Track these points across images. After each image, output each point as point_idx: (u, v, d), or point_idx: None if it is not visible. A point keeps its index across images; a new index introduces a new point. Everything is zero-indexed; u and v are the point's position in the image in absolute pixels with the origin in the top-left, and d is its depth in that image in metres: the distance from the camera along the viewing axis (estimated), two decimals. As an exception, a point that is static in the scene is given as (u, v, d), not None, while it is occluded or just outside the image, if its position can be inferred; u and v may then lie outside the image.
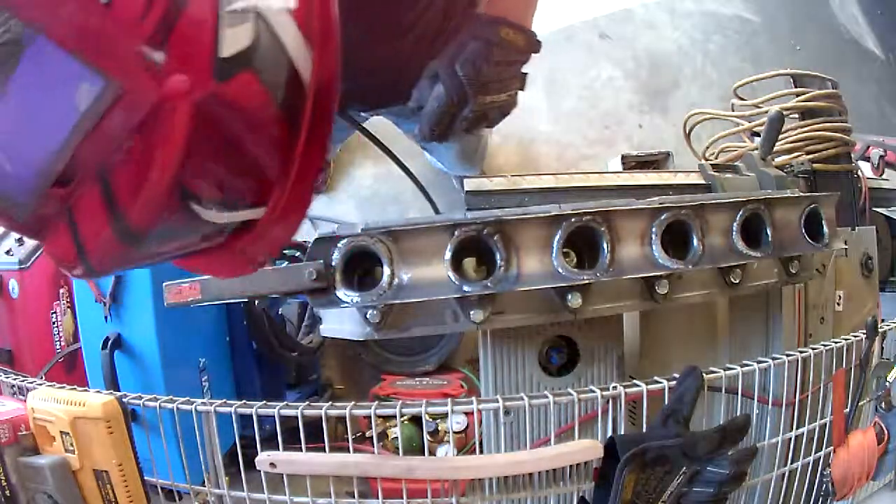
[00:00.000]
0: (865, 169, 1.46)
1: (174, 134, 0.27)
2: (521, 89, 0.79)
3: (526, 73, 0.81)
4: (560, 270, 0.64)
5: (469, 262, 0.68)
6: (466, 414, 1.29)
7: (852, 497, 0.84)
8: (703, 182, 0.95)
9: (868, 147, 1.59)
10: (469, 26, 0.75)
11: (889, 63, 2.45)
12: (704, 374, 0.67)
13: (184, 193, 0.30)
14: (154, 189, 0.28)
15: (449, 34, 0.87)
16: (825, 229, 0.76)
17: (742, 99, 1.43)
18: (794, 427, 0.79)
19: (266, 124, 0.33)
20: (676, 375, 0.67)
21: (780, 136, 1.12)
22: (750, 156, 1.05)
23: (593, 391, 0.67)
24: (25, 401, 0.71)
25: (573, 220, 0.65)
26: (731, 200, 0.72)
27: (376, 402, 0.69)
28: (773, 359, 0.74)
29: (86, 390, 0.71)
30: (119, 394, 0.70)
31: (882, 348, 0.87)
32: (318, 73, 0.34)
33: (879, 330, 0.83)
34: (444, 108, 0.74)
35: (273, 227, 0.36)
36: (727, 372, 0.70)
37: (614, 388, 0.67)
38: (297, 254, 1.66)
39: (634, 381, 0.69)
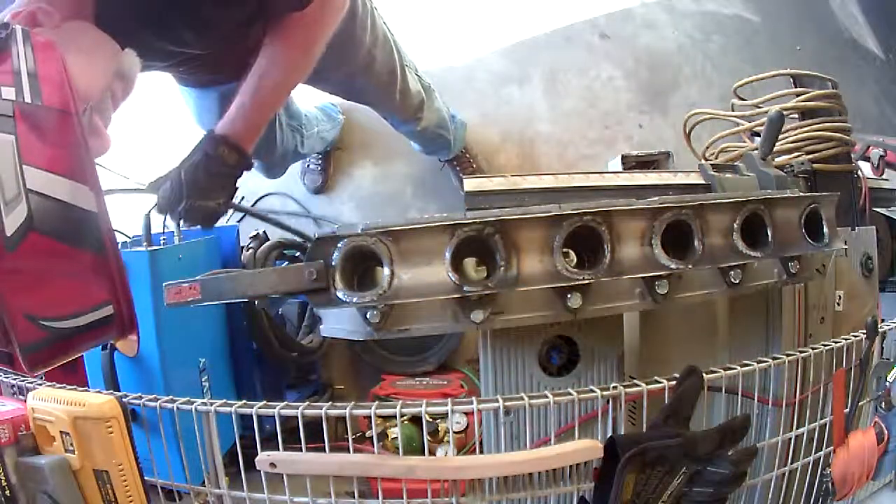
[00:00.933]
0: (865, 169, 1.46)
1: None
2: (228, 201, 1.03)
3: (235, 189, 1.04)
4: (560, 270, 0.64)
5: (469, 262, 0.68)
6: (466, 414, 1.29)
7: (852, 497, 0.84)
8: (703, 182, 0.95)
9: (868, 147, 1.59)
10: (202, 139, 0.98)
11: (889, 63, 2.45)
12: (704, 374, 0.67)
13: (33, 318, 0.48)
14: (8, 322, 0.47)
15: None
16: (825, 229, 0.76)
17: (742, 99, 1.43)
18: (794, 427, 0.79)
19: (70, 256, 0.49)
20: (676, 375, 0.67)
21: (780, 136, 1.12)
22: (750, 156, 1.05)
23: (593, 391, 0.67)
24: (25, 401, 0.71)
25: (573, 220, 0.65)
26: (732, 200, 0.71)
27: (376, 402, 0.69)
28: (773, 359, 0.74)
29: (86, 390, 0.71)
30: (119, 394, 0.70)
31: (882, 348, 0.87)
32: (97, 198, 0.52)
33: (879, 330, 0.82)
34: (165, 203, 0.98)
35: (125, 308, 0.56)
36: (727, 372, 0.70)
37: (614, 388, 0.67)
38: (297, 254, 1.67)
39: (634, 381, 0.69)
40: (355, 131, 2.07)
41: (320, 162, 2.05)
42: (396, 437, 1.31)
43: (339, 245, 0.63)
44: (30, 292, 0.46)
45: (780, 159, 1.18)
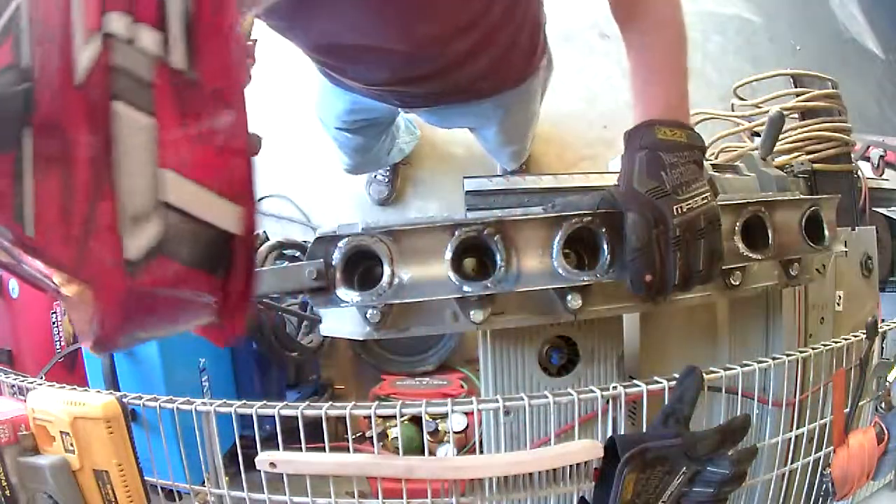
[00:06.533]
0: (865, 169, 1.46)
1: (108, 314, 0.35)
2: (715, 194, 0.67)
3: (711, 178, 0.69)
4: (560, 271, 0.64)
5: (469, 263, 0.68)
6: (466, 414, 1.29)
7: (852, 497, 0.84)
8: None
9: (868, 147, 1.59)
10: (626, 143, 0.69)
11: (889, 63, 2.45)
12: (704, 374, 0.67)
13: (134, 335, 0.39)
14: (107, 335, 0.36)
15: (508, 30, 0.95)
16: (826, 231, 0.76)
17: (742, 99, 1.43)
18: (794, 427, 0.79)
19: (197, 281, 0.37)
20: (676, 375, 0.67)
21: (781, 136, 1.12)
22: (750, 156, 1.05)
23: (593, 391, 0.67)
24: (25, 401, 0.71)
25: (573, 220, 0.65)
26: (733, 203, 0.72)
27: (376, 402, 0.69)
28: (773, 359, 0.74)
29: (86, 390, 0.71)
30: (119, 394, 0.70)
31: (882, 348, 0.87)
32: (247, 219, 0.38)
33: (879, 330, 0.83)
34: (646, 238, 0.62)
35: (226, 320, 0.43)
36: (727, 372, 0.70)
37: (614, 388, 0.67)
38: (297, 253, 1.67)
39: (634, 381, 0.69)
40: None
41: (388, 174, 2.01)
42: (396, 437, 1.31)
43: (340, 244, 0.63)
44: (139, 316, 0.37)
45: (780, 159, 1.18)
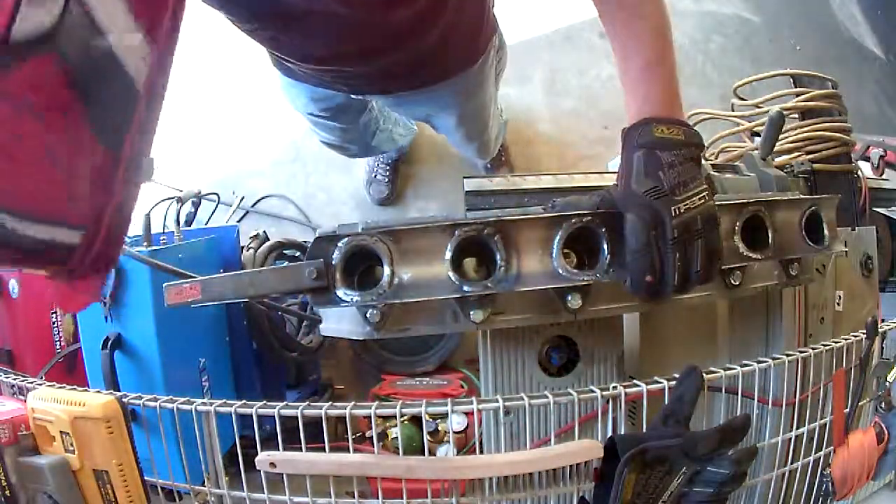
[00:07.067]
0: (865, 169, 1.46)
1: None
2: (712, 192, 0.67)
3: (709, 175, 0.68)
4: (560, 271, 0.64)
5: (469, 262, 0.68)
6: (466, 414, 1.29)
7: (852, 497, 0.84)
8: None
9: (868, 147, 1.59)
10: (623, 141, 0.68)
11: (889, 63, 2.45)
12: (704, 374, 0.67)
13: None
14: None
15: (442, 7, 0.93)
16: (825, 231, 0.76)
17: (742, 99, 1.43)
18: (794, 427, 0.79)
19: (75, 123, 0.30)
20: (676, 375, 0.67)
21: (781, 136, 1.12)
22: (750, 156, 1.05)
23: (593, 391, 0.67)
24: (25, 401, 0.71)
25: (573, 220, 0.65)
26: (733, 202, 0.71)
27: (376, 402, 0.69)
28: (773, 359, 0.74)
29: (86, 390, 0.71)
30: (119, 394, 0.70)
31: (882, 348, 0.87)
32: (155, 70, 0.31)
33: (879, 330, 0.82)
34: (645, 240, 0.62)
35: (97, 248, 0.35)
36: (727, 372, 0.70)
37: (614, 388, 0.67)
38: (297, 253, 1.67)
39: (634, 381, 0.69)
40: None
41: (388, 174, 2.00)
42: (396, 437, 1.31)
43: (340, 244, 0.63)
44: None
45: (780, 159, 1.18)
